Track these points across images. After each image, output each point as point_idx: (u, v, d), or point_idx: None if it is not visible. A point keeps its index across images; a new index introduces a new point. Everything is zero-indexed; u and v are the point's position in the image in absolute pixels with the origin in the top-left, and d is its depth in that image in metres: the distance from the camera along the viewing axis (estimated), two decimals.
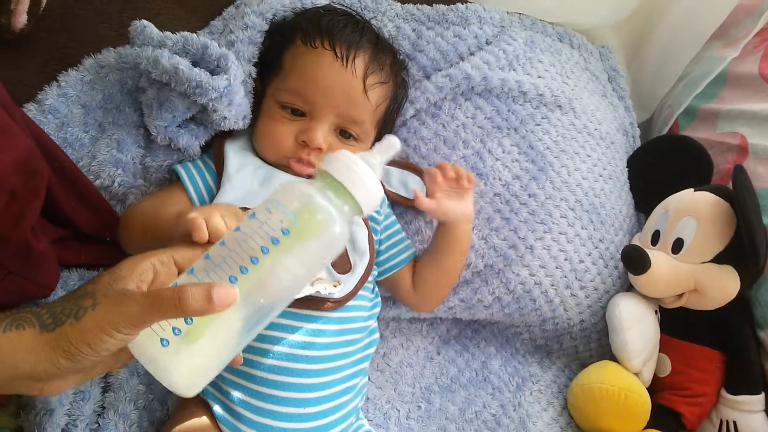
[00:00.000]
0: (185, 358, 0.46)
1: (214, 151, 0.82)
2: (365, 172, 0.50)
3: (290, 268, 0.48)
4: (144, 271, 0.50)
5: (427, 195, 0.82)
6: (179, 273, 0.52)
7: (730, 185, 0.93)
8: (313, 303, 0.71)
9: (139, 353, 0.46)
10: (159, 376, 0.45)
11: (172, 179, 0.81)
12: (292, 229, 0.47)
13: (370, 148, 0.86)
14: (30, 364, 0.44)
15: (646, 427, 0.89)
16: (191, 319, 0.45)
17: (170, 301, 0.43)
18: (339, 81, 0.78)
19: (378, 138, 0.88)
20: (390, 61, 0.85)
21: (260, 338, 0.69)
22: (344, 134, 0.81)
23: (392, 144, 0.54)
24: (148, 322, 0.45)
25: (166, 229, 0.59)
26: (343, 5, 0.91)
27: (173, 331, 0.45)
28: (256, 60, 0.81)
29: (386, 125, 0.88)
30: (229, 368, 0.70)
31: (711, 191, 0.92)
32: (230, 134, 0.84)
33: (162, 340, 0.45)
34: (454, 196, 0.83)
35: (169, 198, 0.77)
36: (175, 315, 0.44)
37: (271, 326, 0.69)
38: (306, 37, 0.79)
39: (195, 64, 0.74)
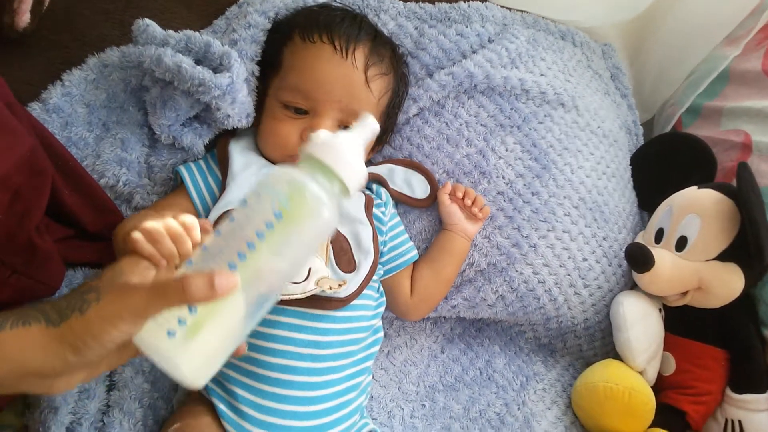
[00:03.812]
0: (191, 348, 0.46)
1: (218, 150, 0.82)
2: (347, 149, 0.52)
3: (286, 251, 0.49)
4: (146, 267, 0.51)
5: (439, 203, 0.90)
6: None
7: (733, 183, 0.93)
8: (318, 302, 0.71)
9: (145, 346, 0.46)
10: (167, 368, 0.46)
11: (177, 181, 0.81)
12: (285, 212, 0.48)
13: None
14: (38, 360, 0.44)
15: (650, 426, 0.89)
16: (195, 310, 0.46)
17: (174, 289, 0.44)
18: (339, 74, 0.77)
19: (381, 134, 0.88)
20: (390, 54, 0.85)
21: (266, 337, 0.69)
22: (348, 129, 0.80)
23: (369, 122, 0.55)
24: (153, 312, 0.45)
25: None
26: (344, 3, 0.91)
27: (178, 322, 0.46)
28: (259, 59, 0.81)
29: (389, 120, 0.88)
30: (235, 367, 0.70)
31: (715, 189, 0.91)
32: (234, 133, 0.84)
33: (168, 331, 0.45)
34: (465, 213, 0.89)
35: (170, 206, 0.77)
36: (179, 303, 0.44)
37: (277, 325, 0.69)
38: (304, 32, 0.79)
39: (198, 62, 0.74)
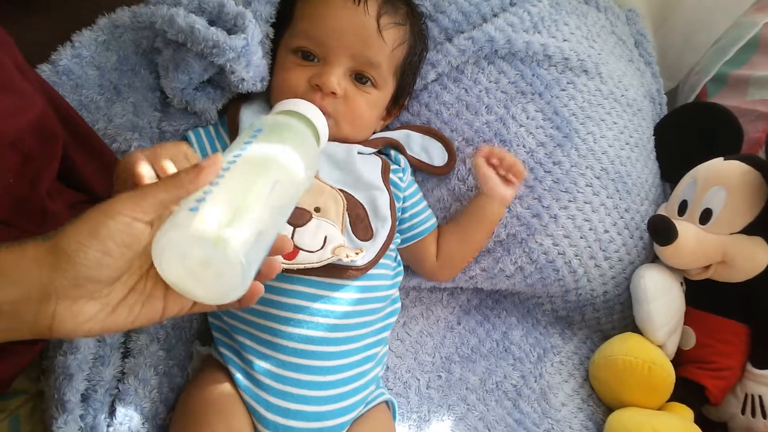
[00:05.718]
0: (225, 231, 0.44)
1: (228, 115, 0.80)
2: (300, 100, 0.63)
3: (273, 147, 0.53)
4: None
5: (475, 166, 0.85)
6: None
7: (761, 154, 0.90)
8: (335, 271, 0.70)
9: (169, 239, 0.44)
10: (207, 247, 0.44)
11: None
12: (263, 127, 0.55)
13: (391, 99, 0.85)
14: (32, 275, 0.43)
15: (669, 400, 0.88)
16: (210, 191, 0.46)
17: (167, 178, 0.47)
18: (351, 21, 0.75)
19: (398, 91, 0.85)
20: (405, 8, 0.82)
21: (283, 306, 0.68)
22: (360, 79, 0.78)
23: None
24: (149, 200, 0.44)
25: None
26: None
27: (197, 200, 0.45)
28: (274, 20, 0.79)
29: (405, 77, 0.85)
30: (252, 336, 0.70)
31: (741, 160, 0.89)
32: (247, 99, 0.82)
33: (191, 208, 0.45)
34: (501, 178, 0.85)
35: None
36: (173, 185, 0.45)
37: (294, 294, 0.68)
38: None
39: (211, 23, 0.72)
